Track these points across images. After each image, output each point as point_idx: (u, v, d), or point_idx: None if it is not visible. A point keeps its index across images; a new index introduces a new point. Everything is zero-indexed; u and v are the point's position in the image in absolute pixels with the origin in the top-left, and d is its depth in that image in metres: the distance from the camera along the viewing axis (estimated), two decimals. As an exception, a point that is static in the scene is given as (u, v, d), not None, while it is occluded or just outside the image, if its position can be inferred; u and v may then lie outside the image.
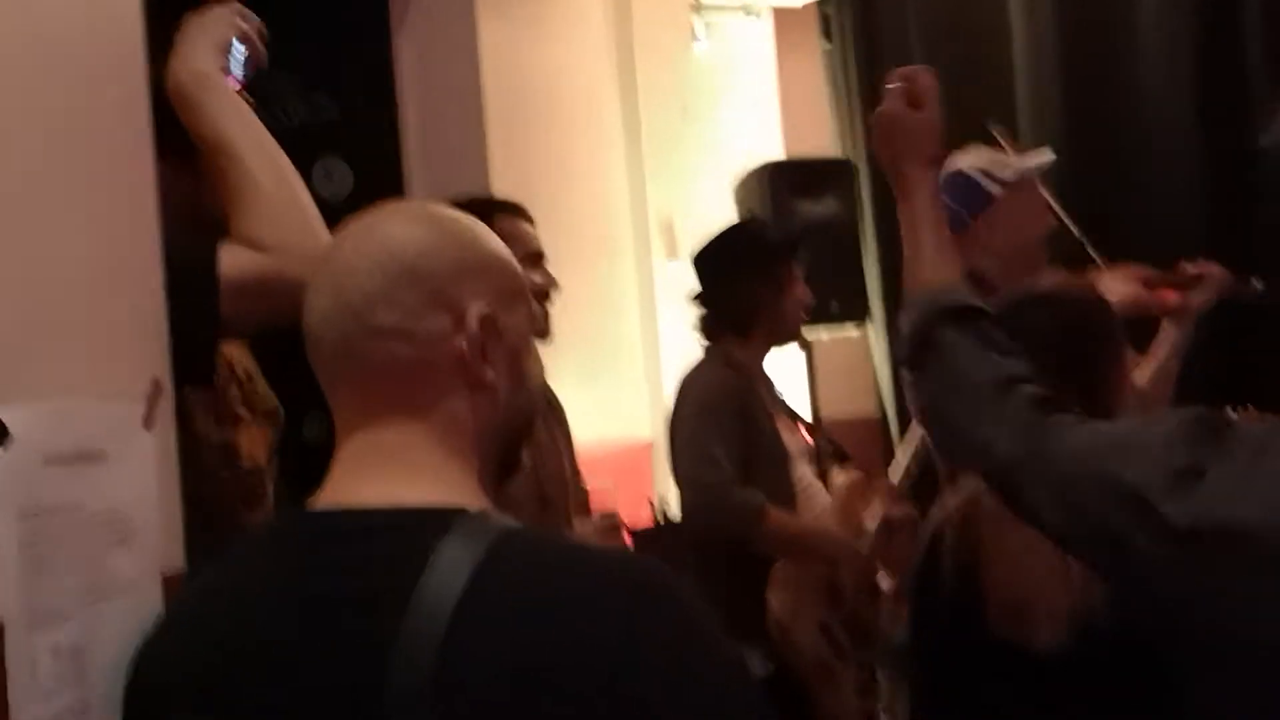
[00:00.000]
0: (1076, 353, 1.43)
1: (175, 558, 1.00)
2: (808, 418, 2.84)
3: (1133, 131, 2.95)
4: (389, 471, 0.85)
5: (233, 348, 1.32)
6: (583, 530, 2.06)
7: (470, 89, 2.60)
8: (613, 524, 2.13)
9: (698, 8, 3.75)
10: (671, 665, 0.76)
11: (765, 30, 3.89)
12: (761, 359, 2.40)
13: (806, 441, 2.43)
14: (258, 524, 1.26)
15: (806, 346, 3.46)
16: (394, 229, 0.89)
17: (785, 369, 3.05)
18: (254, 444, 1.31)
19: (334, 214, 1.01)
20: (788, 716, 0.81)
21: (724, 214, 3.25)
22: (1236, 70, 2.70)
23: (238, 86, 1.26)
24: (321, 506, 0.86)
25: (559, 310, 2.10)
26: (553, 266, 2.10)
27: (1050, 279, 1.58)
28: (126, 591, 0.91)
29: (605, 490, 2.28)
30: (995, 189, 2.20)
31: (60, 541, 0.85)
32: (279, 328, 1.11)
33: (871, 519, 2.32)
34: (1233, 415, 1.01)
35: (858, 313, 3.42)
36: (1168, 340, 2.10)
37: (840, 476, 2.35)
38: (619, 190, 3.62)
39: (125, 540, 0.92)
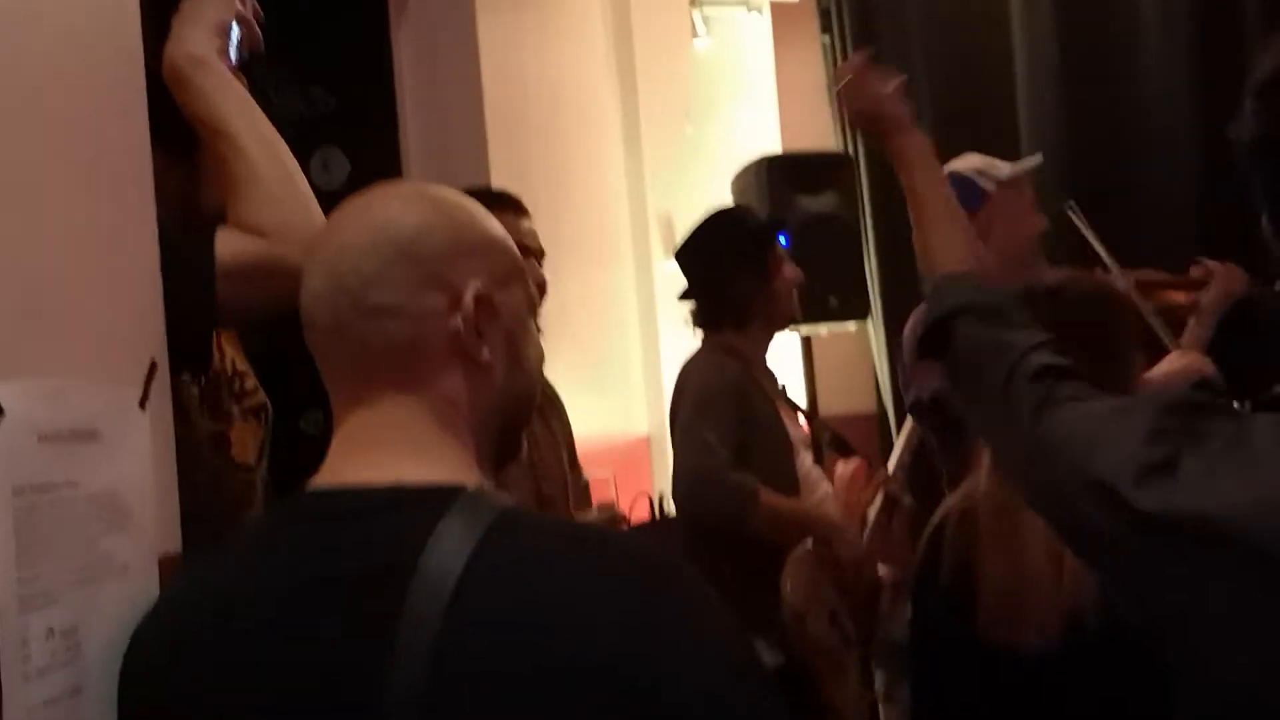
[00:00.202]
0: (1088, 343, 1.42)
1: (171, 542, 0.99)
2: (808, 413, 2.84)
3: (1132, 124, 2.95)
4: (387, 451, 0.85)
5: (223, 341, 1.31)
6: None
7: (469, 80, 2.60)
8: (612, 516, 2.14)
9: (697, 2, 3.75)
10: (674, 645, 0.76)
11: (764, 24, 3.89)
12: (762, 347, 2.39)
13: (806, 432, 2.43)
14: (252, 515, 1.25)
15: (805, 342, 3.46)
16: (390, 209, 0.89)
17: (784, 364, 3.05)
18: (243, 440, 1.30)
19: (331, 205, 1.01)
20: (796, 706, 0.80)
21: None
22: (1237, 60, 2.70)
23: (235, 70, 1.25)
24: (320, 486, 0.85)
25: (558, 305, 2.09)
26: (552, 262, 2.10)
27: (1055, 274, 1.57)
28: (121, 574, 0.90)
29: (605, 480, 2.28)
30: (990, 186, 2.30)
31: (54, 521, 0.84)
32: (276, 315, 1.10)
33: (872, 509, 2.32)
34: (1217, 403, 1.00)
35: (857, 308, 3.41)
36: (1192, 340, 2.11)
37: (842, 466, 2.35)
38: (618, 185, 3.62)
39: (120, 522, 0.91)
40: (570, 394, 2.25)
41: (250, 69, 1.28)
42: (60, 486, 0.86)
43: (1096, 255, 2.24)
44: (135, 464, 0.94)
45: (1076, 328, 1.38)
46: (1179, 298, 2.16)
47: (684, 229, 3.37)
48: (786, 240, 3.12)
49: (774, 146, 3.71)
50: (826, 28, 3.82)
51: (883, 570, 2.37)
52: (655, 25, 3.64)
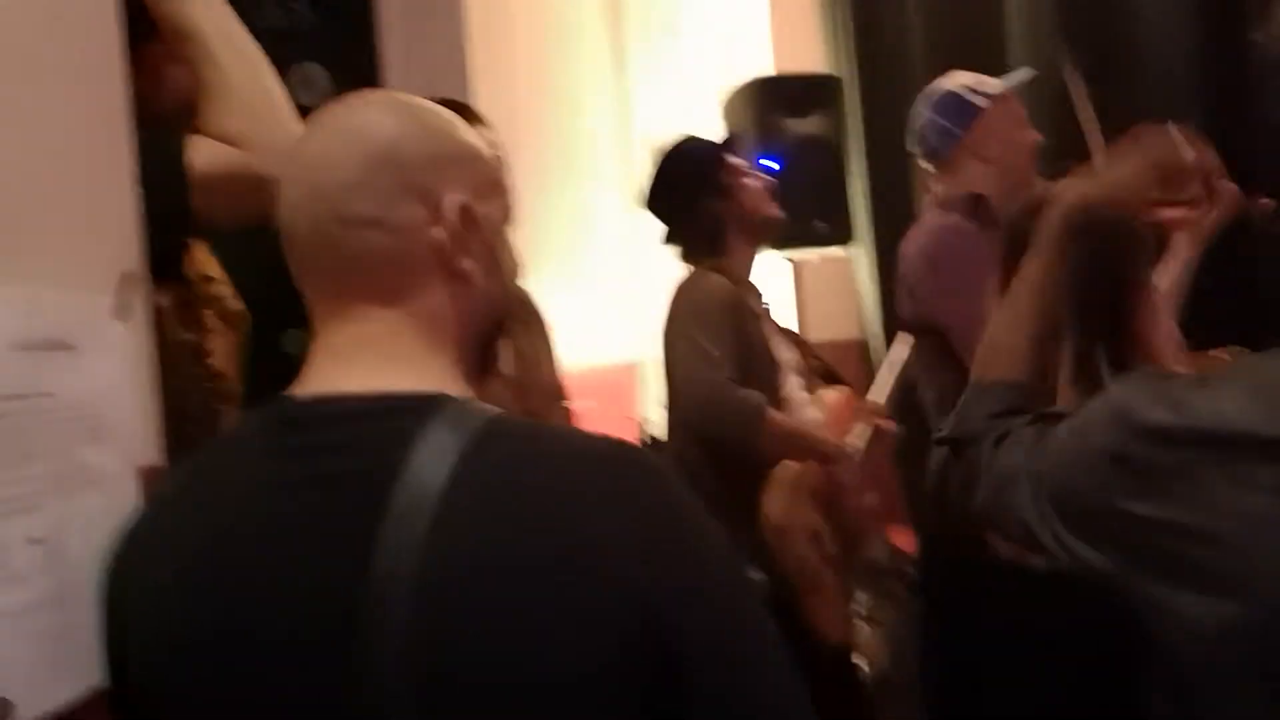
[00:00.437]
0: (1098, 263, 1.40)
1: (151, 452, 0.98)
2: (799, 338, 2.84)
3: (1130, 47, 2.91)
4: (369, 361, 0.84)
5: (196, 250, 1.29)
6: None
7: (451, -4, 2.54)
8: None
9: (686, -83, 3.67)
10: (660, 546, 0.77)
11: (755, -58, 3.80)
12: (745, 268, 2.38)
13: (797, 355, 2.43)
14: (231, 424, 1.25)
15: (794, 268, 3.45)
16: (368, 117, 0.87)
17: (772, 290, 3.03)
18: (220, 349, 1.29)
19: (311, 121, 0.98)
20: (779, 622, 0.81)
21: (712, 131, 3.20)
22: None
23: None
24: (302, 395, 0.85)
25: (543, 228, 2.07)
26: (537, 183, 2.08)
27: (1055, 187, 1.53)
28: (100, 484, 0.90)
29: (589, 409, 2.27)
30: (982, 102, 2.28)
31: (30, 431, 0.83)
32: (251, 226, 1.09)
33: (857, 436, 2.33)
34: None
35: (843, 233, 3.39)
36: (1179, 254, 2.10)
37: (830, 393, 2.35)
38: (605, 105, 3.56)
39: (98, 433, 0.90)
40: (557, 319, 2.23)
41: None
42: (36, 396, 0.84)
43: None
44: (112, 375, 0.93)
45: (1098, 253, 1.36)
46: (1179, 213, 2.14)
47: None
48: (778, 162, 3.10)
49: (765, 68, 3.65)
50: (818, -54, 3.74)
51: (868, 496, 2.39)
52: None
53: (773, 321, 2.42)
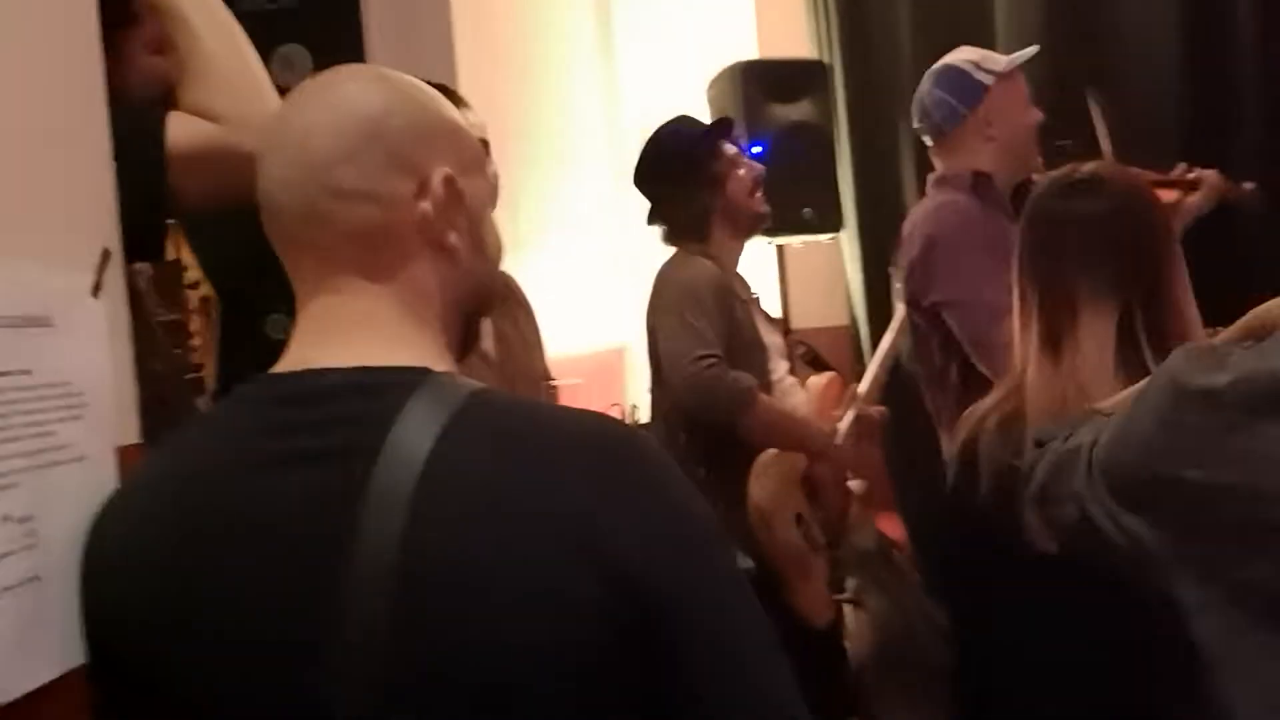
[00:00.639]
0: (1131, 235, 1.39)
1: (130, 432, 0.98)
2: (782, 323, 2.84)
3: (1114, 32, 2.92)
4: (353, 336, 0.84)
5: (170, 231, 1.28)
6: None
7: (435, -23, 2.52)
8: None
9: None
10: (644, 523, 0.76)
11: (742, -73, 3.79)
12: (732, 256, 2.38)
13: (782, 341, 2.43)
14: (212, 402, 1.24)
15: (779, 253, 3.44)
16: (353, 90, 0.87)
17: (758, 276, 3.03)
18: (198, 332, 1.28)
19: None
20: (765, 607, 0.81)
21: (698, 115, 3.18)
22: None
23: None
24: (284, 370, 0.84)
25: (531, 212, 2.07)
26: (524, 167, 2.07)
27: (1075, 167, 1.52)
28: (79, 463, 0.89)
29: (575, 388, 2.27)
30: (988, 79, 2.27)
31: (6, 407, 0.82)
32: (229, 205, 1.08)
33: (843, 422, 2.34)
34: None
35: (831, 220, 3.38)
36: None
37: (816, 378, 2.36)
38: (592, 88, 3.55)
39: (76, 411, 0.89)
40: (543, 304, 2.23)
41: None
42: (13, 373, 0.84)
43: (1093, 146, 2.23)
44: (90, 353, 0.92)
45: (1115, 226, 1.36)
46: (1169, 195, 2.16)
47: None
48: (764, 148, 3.10)
49: (750, 52, 3.64)
50: (805, -70, 3.73)
51: (854, 483, 2.40)
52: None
53: (759, 308, 2.42)
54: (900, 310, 2.76)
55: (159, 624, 0.80)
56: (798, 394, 2.35)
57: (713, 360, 2.11)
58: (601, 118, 3.60)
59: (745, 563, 2.03)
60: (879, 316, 2.93)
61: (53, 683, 0.83)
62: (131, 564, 0.83)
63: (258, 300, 1.42)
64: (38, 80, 0.92)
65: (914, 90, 2.38)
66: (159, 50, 1.17)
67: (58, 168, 0.94)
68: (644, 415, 2.59)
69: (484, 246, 0.91)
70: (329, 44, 1.97)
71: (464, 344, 0.92)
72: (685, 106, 3.31)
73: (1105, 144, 2.25)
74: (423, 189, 0.84)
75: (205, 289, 1.35)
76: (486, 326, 1.93)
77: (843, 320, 3.75)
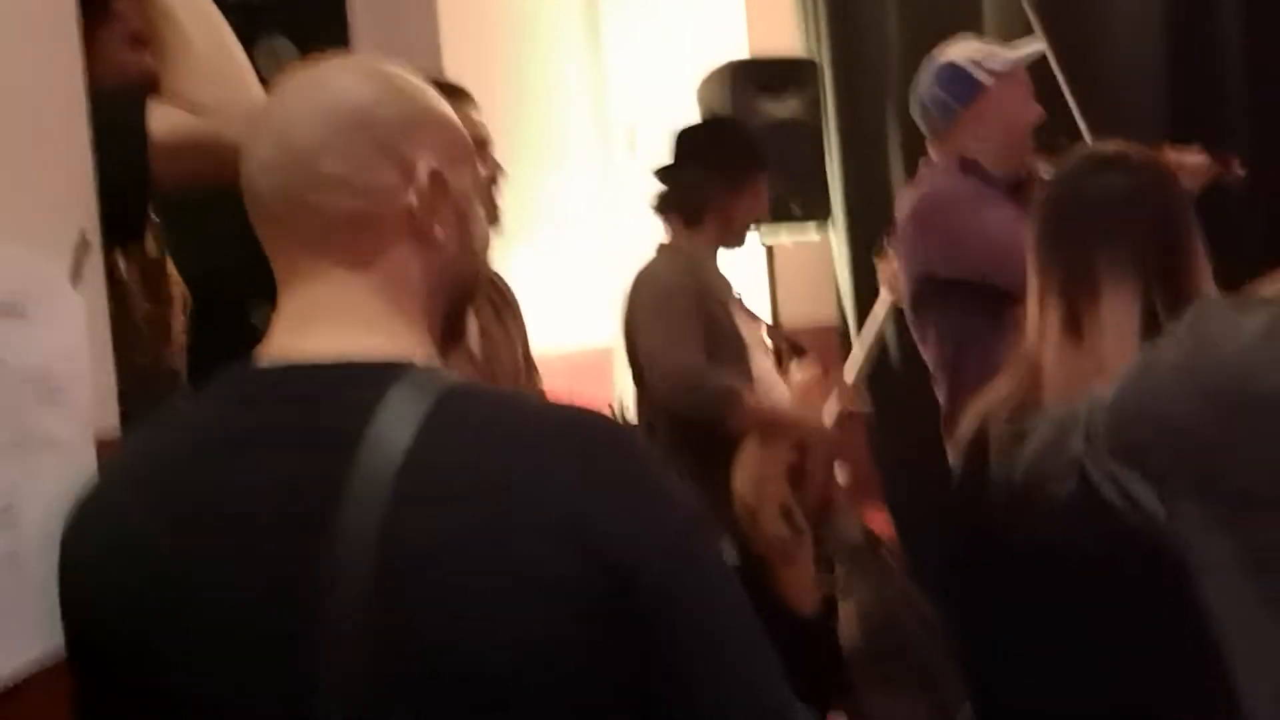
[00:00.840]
0: (1156, 213, 1.38)
1: (109, 420, 0.97)
2: (767, 321, 2.84)
3: (1099, 16, 2.92)
4: (335, 325, 0.83)
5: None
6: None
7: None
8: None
9: (662, -100, 3.65)
10: (629, 515, 0.76)
11: (731, -76, 3.79)
12: (712, 253, 2.39)
13: (763, 335, 2.43)
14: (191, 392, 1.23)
15: (768, 251, 3.44)
16: (339, 79, 0.86)
17: (746, 274, 3.03)
18: (177, 324, 1.27)
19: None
20: (751, 597, 0.81)
21: (687, 113, 3.19)
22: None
23: None
24: (266, 361, 0.84)
25: (517, 211, 2.06)
26: (511, 166, 2.06)
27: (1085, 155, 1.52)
28: (56, 449, 0.88)
29: (563, 386, 2.27)
30: (986, 79, 2.25)
31: (-18, 393, 0.82)
32: (211, 195, 1.07)
33: (828, 413, 2.34)
34: None
35: (819, 215, 3.39)
36: None
37: (798, 371, 2.35)
38: (580, 86, 3.54)
39: (53, 398, 0.89)
40: (530, 303, 2.22)
41: None
42: (-12, 360, 0.83)
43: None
44: (67, 340, 0.92)
45: (1136, 206, 1.36)
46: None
47: (646, 135, 3.33)
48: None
49: (740, 50, 3.64)
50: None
51: (840, 474, 2.41)
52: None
53: (740, 304, 2.42)
54: (884, 297, 2.78)
55: (137, 613, 0.79)
56: (780, 389, 2.35)
57: (696, 362, 2.11)
58: (590, 115, 3.59)
59: (730, 556, 2.04)
60: (868, 314, 2.93)
61: (30, 667, 0.82)
62: (109, 553, 0.82)
63: (240, 290, 1.42)
64: (15, 64, 0.91)
65: (904, 88, 2.38)
66: (136, 45, 1.16)
67: (36, 154, 0.93)
68: (634, 413, 2.59)
69: (470, 238, 0.90)
70: (313, 35, 1.97)
71: (450, 334, 0.92)
72: (675, 105, 3.33)
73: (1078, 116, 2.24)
74: (408, 179, 0.84)
75: (177, 279, 1.34)
76: (472, 324, 1.93)
77: (832, 319, 3.75)
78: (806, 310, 3.60)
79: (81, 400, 0.92)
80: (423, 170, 0.84)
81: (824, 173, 3.38)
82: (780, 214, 3.12)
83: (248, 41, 1.20)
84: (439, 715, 0.73)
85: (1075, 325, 1.34)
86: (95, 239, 0.97)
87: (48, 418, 0.88)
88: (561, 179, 3.39)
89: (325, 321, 0.83)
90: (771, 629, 0.80)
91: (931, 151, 2.36)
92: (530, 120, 3.17)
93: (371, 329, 0.83)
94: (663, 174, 2.43)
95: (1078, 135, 2.26)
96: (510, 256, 2.09)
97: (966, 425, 1.46)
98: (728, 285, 2.42)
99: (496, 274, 2.12)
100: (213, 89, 1.13)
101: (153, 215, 1.25)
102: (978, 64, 2.26)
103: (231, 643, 0.76)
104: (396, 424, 0.75)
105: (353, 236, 0.83)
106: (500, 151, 2.06)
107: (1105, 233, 1.35)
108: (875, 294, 2.87)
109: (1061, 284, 1.37)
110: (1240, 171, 2.15)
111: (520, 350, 2.13)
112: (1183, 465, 0.99)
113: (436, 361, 0.85)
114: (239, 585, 0.77)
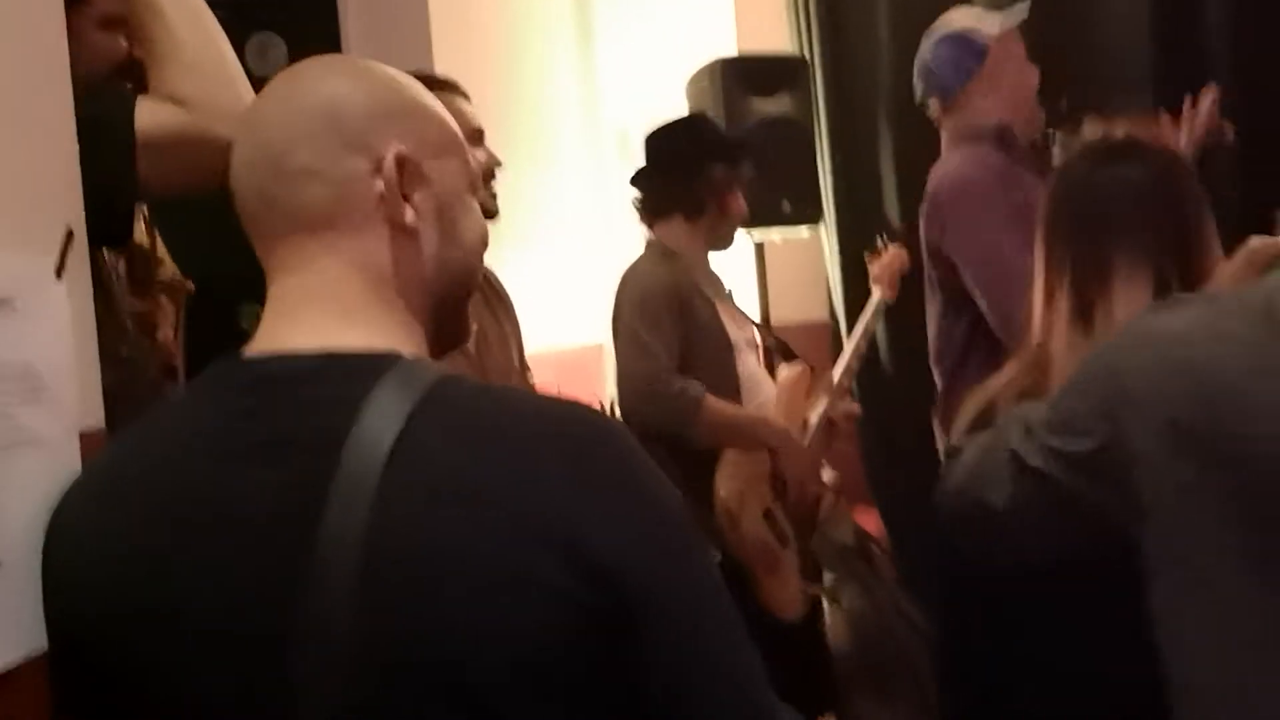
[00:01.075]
0: (1171, 202, 1.36)
1: (94, 417, 0.96)
2: (757, 321, 2.84)
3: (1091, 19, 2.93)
4: (319, 317, 0.83)
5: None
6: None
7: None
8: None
9: (652, -102, 3.64)
10: (616, 514, 0.76)
11: (721, -78, 3.78)
12: (702, 251, 2.39)
13: (752, 334, 2.42)
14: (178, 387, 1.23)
15: (758, 250, 3.44)
16: (316, 77, 0.87)
17: (736, 272, 3.03)
18: (164, 319, 1.27)
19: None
20: (736, 602, 0.81)
21: (677, 112, 3.18)
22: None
23: None
24: (252, 354, 0.83)
25: (508, 209, 2.05)
26: (502, 163, 2.05)
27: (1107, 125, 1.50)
28: (40, 446, 0.88)
29: (554, 384, 2.26)
30: (986, 40, 2.29)
31: (-36, 389, 0.81)
32: (198, 191, 1.07)
33: (815, 413, 2.34)
34: None
35: (810, 213, 3.39)
36: None
37: (785, 370, 2.35)
38: (570, 84, 3.54)
39: (37, 394, 0.88)
40: (521, 301, 2.22)
41: None
42: (-29, 356, 0.82)
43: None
44: (52, 336, 0.91)
45: (1155, 195, 1.35)
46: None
47: (637, 133, 3.32)
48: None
49: (729, 48, 3.64)
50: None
51: (826, 475, 2.40)
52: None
53: (729, 303, 2.42)
54: (875, 296, 2.78)
55: (121, 612, 0.79)
56: (767, 388, 2.34)
57: (657, 371, 2.09)
58: (581, 114, 3.59)
59: (715, 556, 2.03)
60: (859, 312, 2.92)
61: (11, 671, 0.82)
62: (94, 551, 0.82)
63: (229, 291, 1.41)
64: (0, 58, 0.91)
65: (894, 85, 2.38)
66: (109, 27, 1.16)
67: (20, 148, 0.92)
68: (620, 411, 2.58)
69: (456, 231, 0.89)
70: (304, 33, 1.96)
71: (446, 336, 0.91)
72: (665, 103, 3.32)
73: None
74: (377, 167, 0.84)
75: (176, 274, 1.34)
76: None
77: (823, 316, 3.75)
78: (797, 308, 3.60)
79: (66, 397, 0.91)
80: (389, 156, 0.84)
81: (815, 171, 3.38)
82: (771, 212, 3.12)
83: (239, 39, 1.20)
84: (422, 717, 0.73)
85: (1086, 316, 1.33)
86: (81, 234, 0.96)
87: (32, 413, 0.87)
88: (553, 177, 3.38)
89: (309, 313, 0.84)
90: (754, 633, 0.79)
91: (944, 124, 2.35)
92: (522, 118, 3.17)
93: (354, 319, 0.83)
94: (635, 179, 2.42)
95: (1079, 100, 2.25)
96: (502, 254, 2.08)
97: (967, 411, 1.44)
98: (718, 284, 2.41)
99: (490, 271, 2.11)
100: (201, 86, 1.12)
101: (143, 208, 1.24)
102: (975, 29, 2.31)
103: (215, 643, 0.76)
104: (382, 420, 0.75)
105: (326, 226, 0.84)
106: (491, 149, 2.05)
107: (1120, 226, 1.33)
108: (866, 292, 2.87)
109: (1073, 272, 1.35)
110: (1232, 136, 2.16)
111: (514, 347, 2.12)
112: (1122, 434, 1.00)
113: (424, 351, 0.85)
114: (224, 583, 0.76)
